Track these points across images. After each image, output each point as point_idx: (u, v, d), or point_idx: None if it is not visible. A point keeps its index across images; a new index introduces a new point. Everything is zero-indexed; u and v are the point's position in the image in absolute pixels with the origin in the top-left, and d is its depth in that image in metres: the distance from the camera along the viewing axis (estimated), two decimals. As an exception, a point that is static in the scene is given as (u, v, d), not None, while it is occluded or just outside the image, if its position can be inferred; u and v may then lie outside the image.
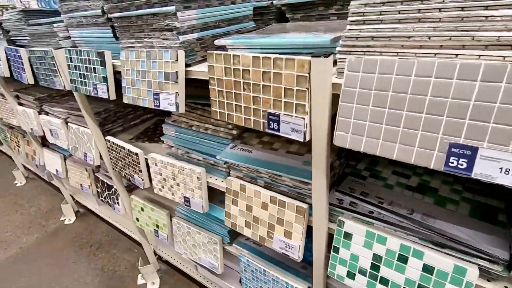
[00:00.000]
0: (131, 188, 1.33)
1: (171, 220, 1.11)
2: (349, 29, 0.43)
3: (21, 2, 2.07)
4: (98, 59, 0.82)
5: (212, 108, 0.61)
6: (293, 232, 0.65)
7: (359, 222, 0.58)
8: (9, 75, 1.30)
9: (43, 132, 1.45)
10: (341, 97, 0.44)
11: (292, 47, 0.53)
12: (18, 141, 1.94)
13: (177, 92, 0.65)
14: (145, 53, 0.69)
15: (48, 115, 1.41)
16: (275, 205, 0.67)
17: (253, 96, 0.53)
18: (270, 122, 0.52)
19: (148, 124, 1.26)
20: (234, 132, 0.78)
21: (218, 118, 0.61)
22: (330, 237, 0.62)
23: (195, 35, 0.67)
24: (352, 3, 0.41)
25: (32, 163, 1.97)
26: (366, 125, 0.42)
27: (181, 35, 0.64)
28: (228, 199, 0.76)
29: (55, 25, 0.95)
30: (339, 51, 0.45)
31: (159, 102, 0.69)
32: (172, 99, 0.66)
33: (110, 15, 0.75)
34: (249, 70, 0.52)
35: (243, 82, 0.54)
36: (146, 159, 0.97)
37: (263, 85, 0.51)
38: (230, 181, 0.74)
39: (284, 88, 0.48)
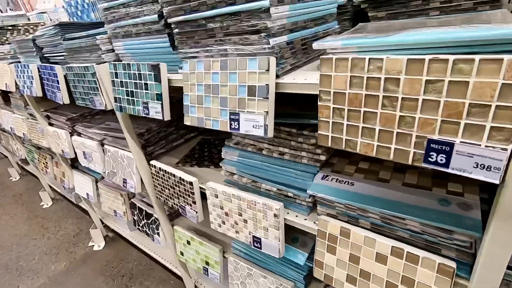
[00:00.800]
0: (172, 216, 1.19)
1: (224, 256, 0.95)
2: None
3: (50, 20, 2.03)
4: (152, 73, 0.69)
5: (319, 132, 0.46)
6: (430, 299, 0.47)
7: (552, 293, 0.40)
8: (41, 95, 1.20)
9: (75, 154, 1.34)
10: None
11: (442, 46, 0.37)
12: (46, 163, 1.85)
13: (267, 112, 0.50)
14: (219, 62, 0.55)
15: (81, 136, 1.30)
16: (399, 259, 0.49)
17: (400, 116, 0.37)
18: (431, 153, 0.36)
19: (192, 144, 1.12)
20: (323, 158, 0.62)
21: (329, 144, 0.45)
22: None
23: (285, 38, 0.52)
24: None
25: (59, 185, 1.87)
26: None
27: (271, 37, 0.50)
28: (321, 245, 0.59)
29: (97, 37, 0.84)
30: None
31: (238, 124, 0.54)
32: (259, 120, 0.51)
33: (170, 20, 0.62)
34: (398, 79, 0.36)
35: (384, 96, 0.38)
36: (201, 188, 0.82)
37: (423, 99, 0.35)
38: (326, 223, 0.58)
39: (470, 103, 0.32)
